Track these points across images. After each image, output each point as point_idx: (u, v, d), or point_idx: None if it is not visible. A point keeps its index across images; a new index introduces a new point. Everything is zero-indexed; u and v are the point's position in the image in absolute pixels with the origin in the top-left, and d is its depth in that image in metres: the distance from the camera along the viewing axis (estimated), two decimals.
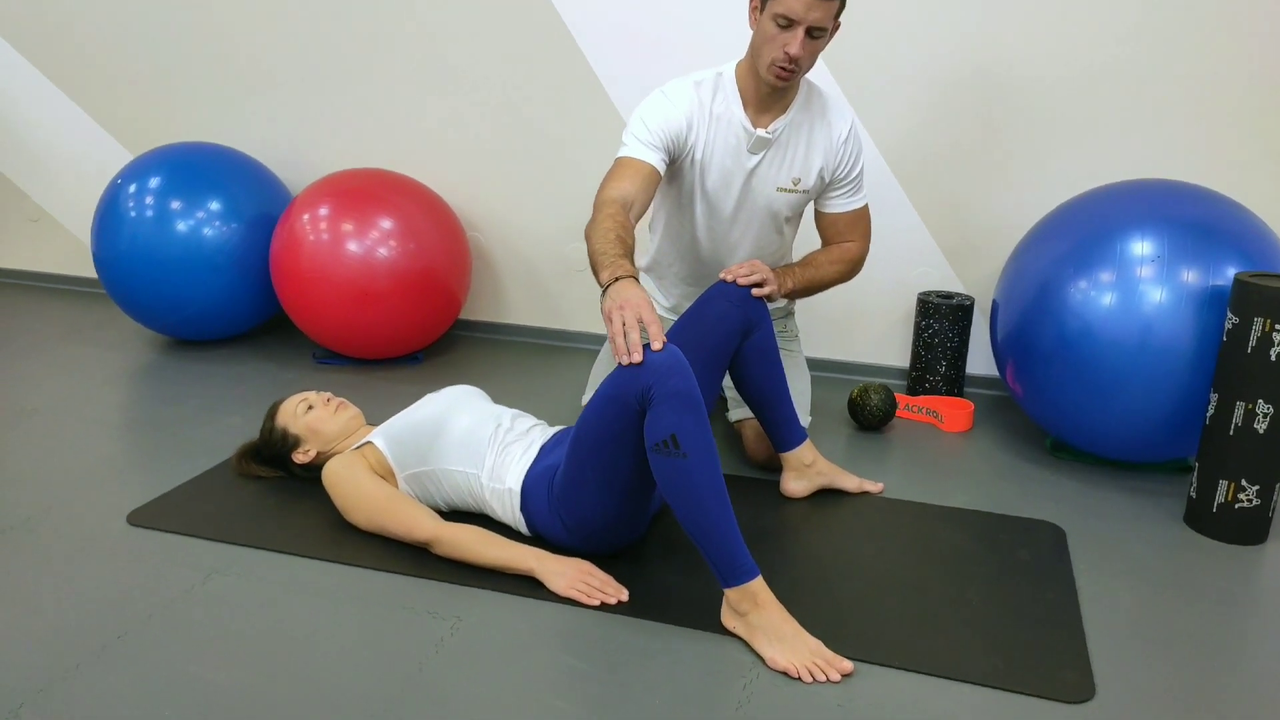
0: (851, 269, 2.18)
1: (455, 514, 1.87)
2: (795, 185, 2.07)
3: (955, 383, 2.61)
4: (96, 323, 3.20)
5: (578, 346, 3.03)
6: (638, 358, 1.48)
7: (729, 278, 1.90)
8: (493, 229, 3.05)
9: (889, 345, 2.80)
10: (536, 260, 3.05)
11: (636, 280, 1.59)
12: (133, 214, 2.75)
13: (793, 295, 2.12)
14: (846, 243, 2.17)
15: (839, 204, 2.14)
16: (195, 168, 2.83)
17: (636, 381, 1.48)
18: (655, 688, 1.42)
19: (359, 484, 1.81)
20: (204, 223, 2.76)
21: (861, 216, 2.17)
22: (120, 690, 1.39)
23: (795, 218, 2.19)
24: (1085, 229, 2.09)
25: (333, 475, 1.85)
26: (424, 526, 1.74)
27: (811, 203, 2.16)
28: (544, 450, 1.81)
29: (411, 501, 1.80)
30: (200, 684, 1.41)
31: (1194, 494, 1.95)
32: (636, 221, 1.80)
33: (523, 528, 1.79)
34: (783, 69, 1.86)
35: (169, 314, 2.82)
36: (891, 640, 1.55)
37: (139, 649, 1.48)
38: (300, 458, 1.98)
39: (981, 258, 2.64)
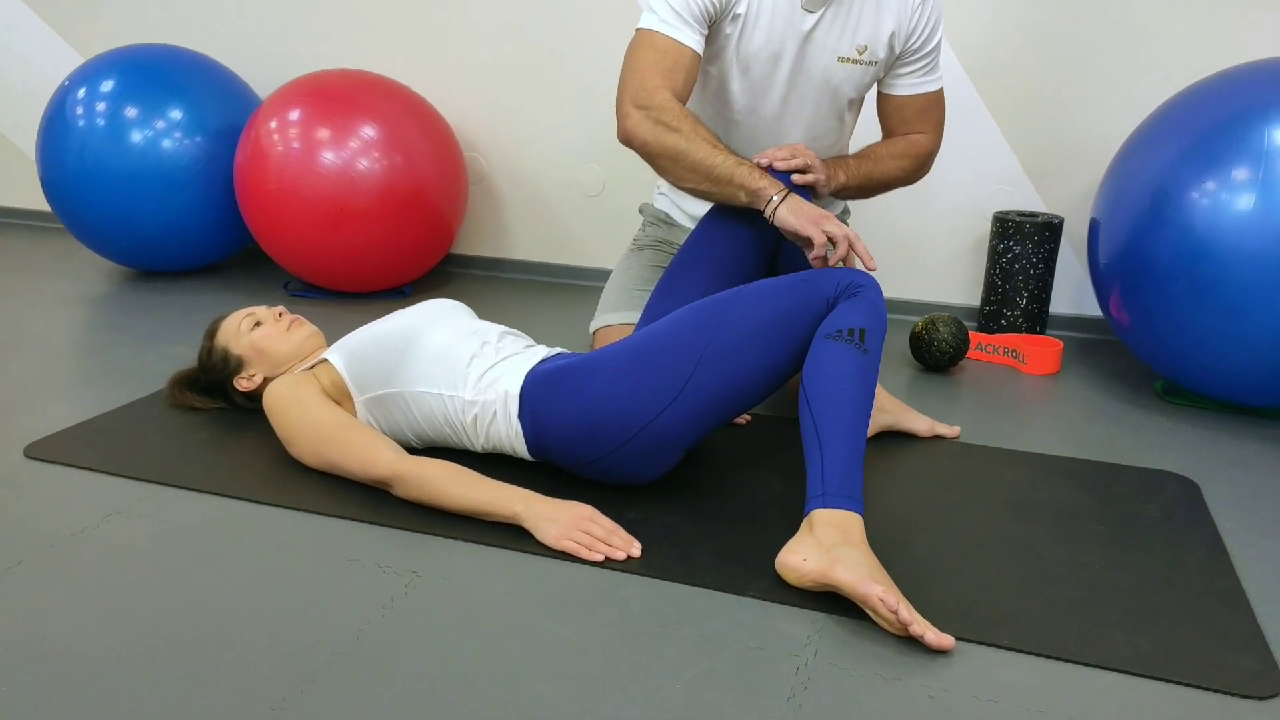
0: (919, 166, 1.79)
1: (428, 450, 1.49)
2: (860, 55, 1.67)
3: (1038, 319, 2.19)
4: (52, 255, 2.84)
5: (589, 284, 2.64)
6: (874, 265, 1.43)
7: (764, 161, 1.52)
8: (495, 150, 2.66)
9: (956, 281, 2.39)
10: (545, 187, 2.66)
11: None
12: (81, 123, 2.40)
13: (844, 193, 1.71)
14: (915, 134, 1.77)
15: (910, 84, 1.74)
16: (152, 71, 2.46)
17: (846, 276, 1.36)
18: (675, 668, 1.03)
19: (305, 408, 1.44)
20: (163, 134, 2.40)
21: (935, 102, 1.77)
22: None
23: (858, 101, 1.79)
24: (1210, 118, 1.70)
25: (274, 398, 1.48)
26: (382, 460, 1.37)
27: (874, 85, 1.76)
28: (546, 359, 1.46)
29: (369, 430, 1.42)
30: (51, 649, 1.03)
31: None
32: None
33: (520, 444, 1.42)
34: None
35: (122, 237, 2.46)
36: (995, 614, 1.15)
37: None
38: (243, 384, 1.62)
39: (1071, 175, 2.22)
